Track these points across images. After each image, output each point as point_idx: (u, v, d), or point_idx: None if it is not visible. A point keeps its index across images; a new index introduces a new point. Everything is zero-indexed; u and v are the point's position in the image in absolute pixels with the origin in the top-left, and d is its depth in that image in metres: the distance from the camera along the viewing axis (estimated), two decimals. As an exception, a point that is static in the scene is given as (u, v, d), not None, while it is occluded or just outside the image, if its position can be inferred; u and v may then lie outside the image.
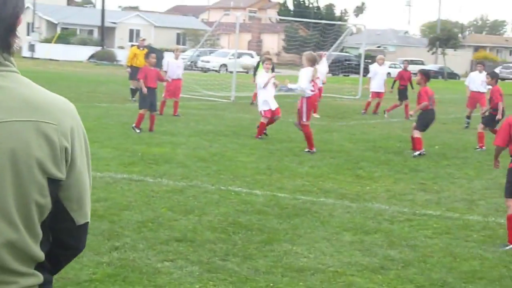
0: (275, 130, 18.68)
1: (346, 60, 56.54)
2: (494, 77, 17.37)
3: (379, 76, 25.80)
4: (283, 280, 6.59)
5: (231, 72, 37.59)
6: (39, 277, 2.31)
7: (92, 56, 63.01)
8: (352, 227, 8.71)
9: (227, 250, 7.46)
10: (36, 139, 2.18)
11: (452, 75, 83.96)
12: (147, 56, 18.23)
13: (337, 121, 22.30)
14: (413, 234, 8.54)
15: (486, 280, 6.86)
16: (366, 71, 31.30)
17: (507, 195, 8.27)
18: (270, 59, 18.14)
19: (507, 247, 8.05)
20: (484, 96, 21.48)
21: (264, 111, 16.97)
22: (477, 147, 16.68)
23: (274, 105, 17.12)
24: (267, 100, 17.02)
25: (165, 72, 21.64)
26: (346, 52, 71.03)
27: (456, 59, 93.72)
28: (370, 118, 23.67)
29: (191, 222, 8.54)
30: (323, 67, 24.43)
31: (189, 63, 43.76)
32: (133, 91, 24.95)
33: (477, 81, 21.89)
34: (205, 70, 55.76)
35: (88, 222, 2.42)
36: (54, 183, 2.24)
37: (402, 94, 25.07)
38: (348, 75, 56.27)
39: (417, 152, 15.09)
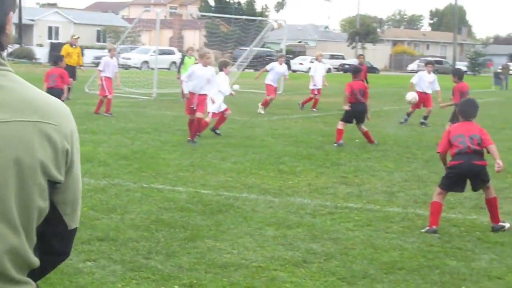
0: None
1: (267, 56, 56.69)
2: (456, 75, 17.56)
3: (319, 73, 25.97)
4: (207, 277, 6.60)
5: (152, 69, 37.31)
6: (32, 285, 2.23)
7: (10, 54, 61.74)
8: (275, 222, 8.77)
9: (150, 248, 7.42)
10: (39, 140, 2.12)
11: (372, 69, 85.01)
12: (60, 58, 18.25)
13: (259, 117, 22.39)
14: (335, 227, 8.64)
15: (405, 270, 7.00)
16: (288, 66, 31.55)
17: (441, 186, 8.85)
18: (229, 64, 18.17)
19: (425, 230, 8.50)
20: (430, 97, 21.53)
21: (214, 112, 16.91)
22: None
23: (224, 107, 17.14)
24: (220, 103, 17.03)
25: (100, 71, 21.51)
26: (267, 47, 71.38)
27: (375, 54, 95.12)
28: (292, 113, 23.84)
29: (113, 221, 8.47)
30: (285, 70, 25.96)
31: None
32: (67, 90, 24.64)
33: (425, 82, 21.56)
34: (126, 67, 55.22)
35: (77, 228, 2.35)
36: (52, 186, 2.18)
37: None
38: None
39: (336, 144, 15.47)
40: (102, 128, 17.27)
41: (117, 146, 14.49)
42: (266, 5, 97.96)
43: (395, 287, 6.49)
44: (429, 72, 21.76)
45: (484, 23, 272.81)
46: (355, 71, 16.85)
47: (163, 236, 7.92)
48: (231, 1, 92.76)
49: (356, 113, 16.05)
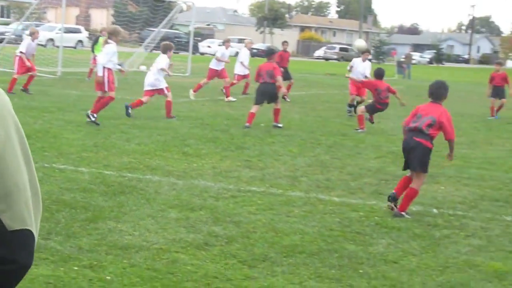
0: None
1: (175, 38, 56.36)
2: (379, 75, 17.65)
3: (246, 58, 25.86)
4: (107, 258, 6.55)
5: (57, 46, 36.60)
6: None
7: None
8: (178, 204, 8.77)
9: (50, 228, 7.31)
10: None
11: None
12: None
13: (162, 99, 22.22)
14: (237, 211, 8.69)
15: (305, 254, 7.11)
16: (196, 48, 31.42)
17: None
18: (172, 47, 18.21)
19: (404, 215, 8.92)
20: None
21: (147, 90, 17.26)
22: (358, 128, 17.12)
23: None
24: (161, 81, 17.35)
25: (23, 53, 21.19)
26: (175, 29, 70.94)
27: (283, 39, 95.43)
28: (198, 96, 23.78)
29: (12, 201, 8.29)
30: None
31: (13, 36, 42.16)
32: None
33: (360, 69, 21.04)
34: (30, 44, 53.98)
35: (29, 231, 1.98)
36: None
37: (285, 75, 24.59)
38: (177, 53, 56.14)
39: (247, 124, 15.79)
40: (4, 106, 16.86)
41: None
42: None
43: (294, 270, 6.58)
44: (363, 60, 21.69)
45: (389, 12, 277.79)
46: (268, 53, 17.20)
47: (63, 216, 7.81)
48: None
49: (265, 93, 16.25)
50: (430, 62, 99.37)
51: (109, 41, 15.49)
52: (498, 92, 22.91)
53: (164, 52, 17.76)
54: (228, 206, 8.87)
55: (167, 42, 18.76)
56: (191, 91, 23.47)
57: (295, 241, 7.52)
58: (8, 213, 1.94)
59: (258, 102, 16.47)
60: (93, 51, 26.64)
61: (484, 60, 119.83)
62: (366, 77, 20.06)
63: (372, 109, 17.57)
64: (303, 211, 8.88)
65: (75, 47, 56.78)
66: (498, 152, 15.06)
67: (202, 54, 70.04)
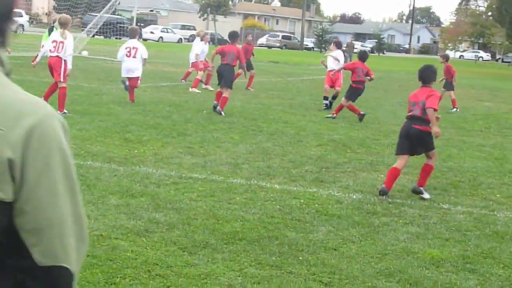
0: (43, 92, 18.16)
1: (118, 23, 55.78)
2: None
3: (203, 52, 25.14)
4: (46, 245, 6.47)
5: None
6: None
7: None
8: (119, 191, 8.71)
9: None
10: None
11: (222, 42, 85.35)
12: None
13: (107, 84, 22.08)
14: (178, 197, 8.68)
15: (246, 240, 7.13)
16: (139, 34, 31.09)
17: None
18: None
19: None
20: (338, 75, 21.08)
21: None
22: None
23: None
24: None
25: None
26: (118, 15, 70.27)
27: (226, 26, 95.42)
28: (141, 82, 23.57)
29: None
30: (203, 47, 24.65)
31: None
32: None
33: (330, 59, 21.23)
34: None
35: (65, 268, 1.82)
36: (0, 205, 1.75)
37: (249, 66, 24.32)
38: (120, 38, 55.63)
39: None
40: None
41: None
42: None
43: (235, 257, 6.60)
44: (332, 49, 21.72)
45: (332, 1, 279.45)
46: (233, 36, 18.77)
47: None
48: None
49: (221, 74, 17.04)
50: (372, 51, 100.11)
51: (66, 31, 15.15)
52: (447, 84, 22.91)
53: (133, 37, 18.35)
54: (169, 193, 8.85)
55: (134, 27, 19.83)
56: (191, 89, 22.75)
57: (235, 228, 7.54)
58: (39, 247, 1.80)
59: (219, 83, 17.28)
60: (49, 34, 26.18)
61: (424, 50, 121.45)
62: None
63: (352, 94, 17.83)
64: (244, 198, 8.91)
65: (15, 31, 55.79)
66: (436, 141, 15.23)
67: (145, 40, 69.53)
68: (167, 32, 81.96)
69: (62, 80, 15.12)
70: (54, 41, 15.28)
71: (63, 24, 15.33)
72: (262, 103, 20.40)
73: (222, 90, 17.01)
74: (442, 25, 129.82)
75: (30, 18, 66.09)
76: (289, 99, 21.73)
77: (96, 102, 17.15)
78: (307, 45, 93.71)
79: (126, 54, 18.05)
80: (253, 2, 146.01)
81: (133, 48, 18.01)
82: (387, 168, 11.66)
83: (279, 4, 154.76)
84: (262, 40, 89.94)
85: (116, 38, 56.45)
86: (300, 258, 6.77)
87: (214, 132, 14.05)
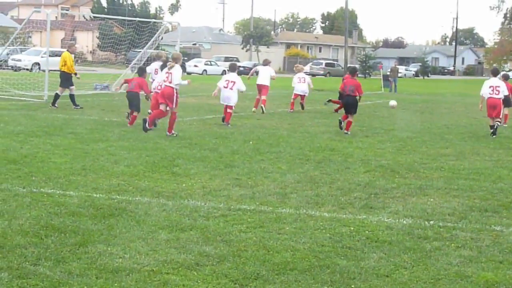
0: (90, 129, 18.39)
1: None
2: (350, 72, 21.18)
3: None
4: (98, 282, 6.51)
5: (43, 70, 36.57)
6: None
7: None
8: (168, 225, 8.73)
9: (39, 254, 7.27)
10: None
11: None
12: None
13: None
14: (228, 229, 8.67)
15: (297, 270, 7.09)
16: (183, 68, 31.44)
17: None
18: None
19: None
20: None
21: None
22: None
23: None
24: None
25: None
26: (162, 49, 71.02)
27: (269, 56, 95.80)
28: (186, 115, 23.79)
29: (0, 227, 8.25)
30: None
31: (-1, 61, 42.20)
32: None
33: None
34: (16, 69, 53.91)
35: None
36: None
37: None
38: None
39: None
40: (-10, 132, 16.81)
41: (6, 150, 14.13)
42: (160, 6, 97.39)
43: (286, 288, 6.56)
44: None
45: (374, 27, 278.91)
46: (352, 71, 21.24)
47: (52, 241, 7.77)
48: (124, 3, 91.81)
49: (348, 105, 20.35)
50: (416, 75, 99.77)
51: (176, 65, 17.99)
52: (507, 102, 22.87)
53: (233, 71, 22.22)
54: (218, 225, 8.85)
55: (235, 63, 23.75)
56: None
57: (286, 258, 7.50)
58: None
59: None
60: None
61: (469, 71, 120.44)
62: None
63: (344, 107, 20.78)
64: (294, 228, 8.86)
65: (61, 71, 56.61)
66: (486, 163, 15.10)
67: (189, 73, 70.15)
68: (211, 64, 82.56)
69: (174, 106, 17.82)
70: (167, 72, 17.86)
71: (175, 59, 18.21)
72: (307, 131, 20.37)
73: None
74: (486, 46, 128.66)
75: (75, 57, 67.05)
76: (335, 126, 21.65)
77: (143, 137, 17.27)
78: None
79: (224, 86, 21.35)
80: (295, 31, 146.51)
81: (231, 81, 21.41)
82: (436, 191, 11.55)
83: (321, 32, 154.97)
84: (306, 69, 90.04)
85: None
86: (353, 286, 6.69)
87: (261, 162, 14.05)
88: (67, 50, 26.52)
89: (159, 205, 9.84)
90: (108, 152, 14.48)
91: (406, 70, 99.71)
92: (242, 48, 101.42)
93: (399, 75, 56.14)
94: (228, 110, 21.41)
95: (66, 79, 25.73)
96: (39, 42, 74.13)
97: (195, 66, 78.98)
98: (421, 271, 7.23)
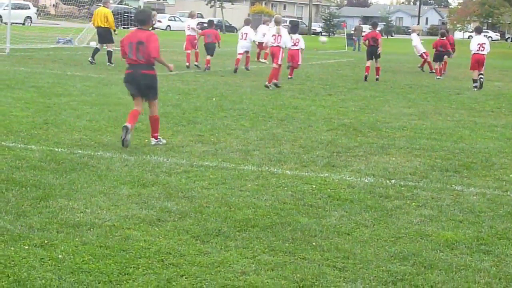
0: (52, 83, 18.18)
1: (125, 13, 55.68)
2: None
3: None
4: (58, 236, 6.47)
5: (5, 23, 35.98)
6: None
7: None
8: (130, 181, 8.70)
9: (0, 207, 7.21)
10: None
11: (230, 28, 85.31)
12: None
13: (115, 74, 22.03)
14: (190, 186, 8.66)
15: (258, 227, 7.11)
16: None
17: None
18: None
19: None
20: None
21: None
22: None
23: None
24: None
25: None
26: (125, 4, 70.15)
27: (234, 13, 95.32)
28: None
29: (-40, 181, 8.16)
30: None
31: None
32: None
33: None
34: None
35: None
36: None
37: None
38: (128, 28, 55.60)
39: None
40: (-50, 84, 16.55)
41: (-34, 102, 13.93)
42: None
43: (248, 244, 6.58)
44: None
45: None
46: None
47: (13, 195, 7.70)
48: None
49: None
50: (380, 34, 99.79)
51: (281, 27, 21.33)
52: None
53: (247, 24, 27.25)
54: (180, 181, 8.83)
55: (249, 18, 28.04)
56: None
57: (248, 215, 7.52)
58: None
59: None
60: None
61: (433, 31, 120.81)
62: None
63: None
64: (256, 185, 8.88)
65: (23, 23, 55.83)
66: (447, 123, 15.23)
67: (153, 28, 69.49)
68: (175, 20, 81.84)
69: (279, 62, 20.67)
70: (273, 35, 20.85)
71: (279, 23, 21.40)
72: (271, 89, 20.33)
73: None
74: (450, 6, 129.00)
75: (37, 10, 66.01)
76: (298, 84, 21.66)
77: (105, 92, 17.13)
78: (315, 29, 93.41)
79: (240, 38, 26.51)
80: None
81: (245, 33, 26.61)
82: (398, 151, 11.64)
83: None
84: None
85: (124, 28, 56.47)
86: (314, 243, 6.74)
87: (224, 119, 14.02)
88: (103, 6, 25.84)
89: (121, 160, 9.79)
90: (70, 107, 14.35)
91: (370, 29, 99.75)
92: (207, 4, 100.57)
93: (363, 34, 56.06)
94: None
95: (107, 34, 25.28)
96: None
97: (159, 21, 78.24)
98: (381, 230, 7.30)
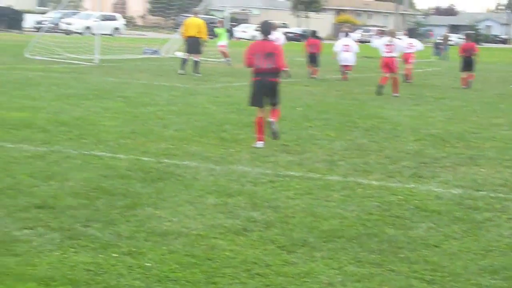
0: (139, 93, 18.49)
1: (211, 23, 56.27)
2: None
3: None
4: (146, 245, 6.55)
5: (94, 34, 36.83)
6: None
7: None
8: (216, 190, 8.75)
9: (89, 216, 7.34)
10: None
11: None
12: None
13: (201, 84, 22.28)
14: (275, 196, 8.66)
15: (344, 238, 7.05)
16: (231, 34, 31.60)
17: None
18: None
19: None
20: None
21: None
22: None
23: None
24: None
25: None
26: (211, 15, 70.93)
27: (319, 22, 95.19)
28: (234, 81, 23.77)
29: (52, 188, 8.35)
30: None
31: (51, 25, 42.52)
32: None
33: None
34: (67, 33, 54.39)
35: None
36: None
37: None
38: (213, 38, 56.19)
39: None
40: (43, 94, 16.99)
41: (58, 112, 14.27)
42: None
43: (334, 255, 6.53)
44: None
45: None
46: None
47: (102, 203, 7.84)
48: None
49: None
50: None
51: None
52: None
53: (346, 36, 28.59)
54: (266, 191, 8.84)
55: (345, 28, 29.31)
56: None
57: (334, 226, 7.47)
58: None
59: None
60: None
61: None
62: None
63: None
64: (342, 196, 8.82)
65: (111, 35, 57.03)
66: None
67: (238, 39, 70.03)
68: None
69: (395, 72, 21.53)
70: (386, 45, 21.49)
71: (392, 34, 22.62)
72: (356, 98, 20.21)
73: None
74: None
75: (125, 21, 67.39)
76: (385, 94, 21.45)
77: (191, 102, 17.32)
78: (401, 39, 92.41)
79: (342, 49, 26.84)
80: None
81: (345, 45, 27.06)
82: (488, 161, 11.38)
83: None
84: (356, 36, 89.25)
85: (210, 38, 57.07)
86: (401, 255, 6.64)
87: (309, 129, 13.98)
88: (195, 16, 26.25)
89: (207, 170, 9.86)
90: (157, 116, 14.55)
91: (458, 38, 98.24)
92: (291, 14, 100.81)
93: (450, 43, 55.34)
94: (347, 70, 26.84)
95: (197, 45, 25.71)
96: (90, 6, 74.56)
97: (244, 31, 78.79)
98: (471, 242, 7.14)
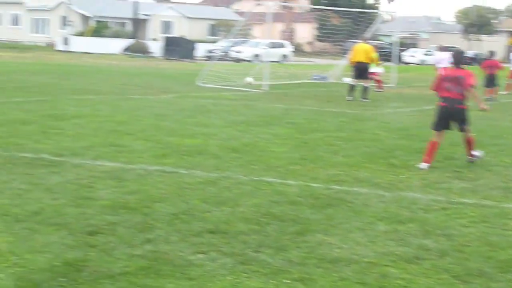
0: (308, 120, 18.59)
1: (379, 48, 55.96)
2: None
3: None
4: (317, 271, 6.52)
5: (263, 62, 37.52)
6: None
7: (127, 49, 63.33)
8: (386, 217, 8.61)
9: (260, 241, 7.41)
10: None
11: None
12: None
13: (370, 110, 22.13)
14: (448, 223, 8.41)
15: (523, 269, 6.74)
16: (399, 58, 31.29)
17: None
18: None
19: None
20: None
21: None
22: None
23: None
24: None
25: None
26: (379, 40, 70.60)
27: (491, 45, 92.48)
28: (404, 106, 23.45)
29: (224, 214, 8.50)
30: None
31: (222, 53, 43.78)
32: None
33: None
34: (237, 60, 55.71)
35: None
36: None
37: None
38: (381, 63, 55.85)
39: None
40: (214, 121, 17.41)
41: (228, 139, 14.57)
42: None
43: (512, 287, 6.25)
44: None
45: None
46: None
47: (273, 229, 7.89)
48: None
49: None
50: None
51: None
52: None
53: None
54: (438, 219, 8.61)
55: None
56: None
57: None
58: None
59: None
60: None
61: None
62: None
63: None
64: (519, 224, 8.44)
65: (279, 62, 57.85)
66: None
67: (406, 63, 69.28)
68: (430, 54, 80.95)
69: None
70: None
71: None
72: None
73: None
74: None
75: (293, 48, 68.31)
76: None
77: (360, 128, 17.22)
78: None
79: None
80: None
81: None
82: None
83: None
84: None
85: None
86: None
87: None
88: (364, 42, 26.54)
89: (377, 196, 9.73)
90: (326, 142, 14.55)
91: None
92: (462, 37, 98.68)
93: None
94: None
95: (365, 71, 25.78)
96: (259, 34, 76.08)
97: (412, 56, 77.79)
98: None
